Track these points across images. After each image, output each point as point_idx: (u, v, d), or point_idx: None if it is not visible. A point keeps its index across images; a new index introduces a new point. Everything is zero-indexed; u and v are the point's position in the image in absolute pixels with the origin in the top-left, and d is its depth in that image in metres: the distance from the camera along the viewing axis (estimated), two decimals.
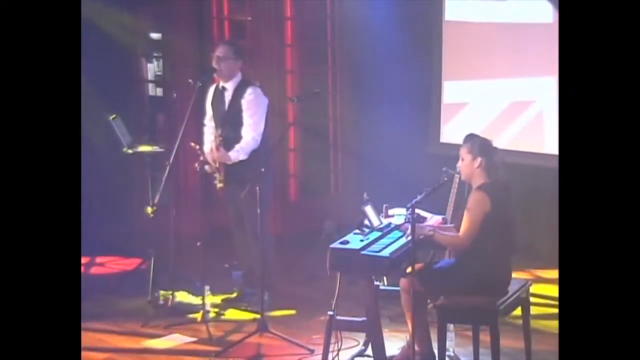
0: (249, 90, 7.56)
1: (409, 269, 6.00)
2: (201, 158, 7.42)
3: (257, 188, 6.99)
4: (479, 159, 6.06)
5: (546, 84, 8.65)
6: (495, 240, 5.99)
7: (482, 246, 5.97)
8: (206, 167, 7.52)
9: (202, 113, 7.89)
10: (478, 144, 6.10)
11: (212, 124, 7.69)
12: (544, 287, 7.86)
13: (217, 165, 7.49)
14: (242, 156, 7.46)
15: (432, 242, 6.21)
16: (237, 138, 7.51)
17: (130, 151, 8.22)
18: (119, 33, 9.87)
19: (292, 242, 9.09)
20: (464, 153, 6.12)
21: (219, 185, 7.57)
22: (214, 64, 7.62)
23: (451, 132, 9.25)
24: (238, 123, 7.52)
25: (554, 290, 7.75)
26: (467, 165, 6.11)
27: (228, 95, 7.61)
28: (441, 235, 6.14)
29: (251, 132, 7.49)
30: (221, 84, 7.66)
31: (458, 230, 6.14)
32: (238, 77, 7.64)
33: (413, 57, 9.26)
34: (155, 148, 8.36)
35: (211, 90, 7.80)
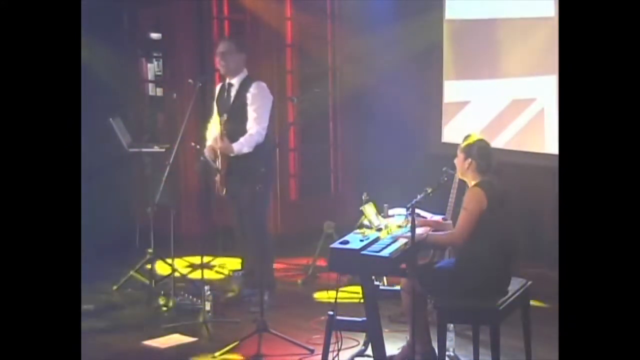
0: (254, 85, 7.59)
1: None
2: (201, 158, 7.42)
3: (258, 187, 6.99)
4: (469, 160, 6.09)
5: (547, 82, 8.65)
6: (494, 241, 5.99)
7: (481, 246, 5.97)
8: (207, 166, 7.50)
9: (203, 113, 7.89)
10: (470, 145, 6.13)
11: (217, 119, 7.68)
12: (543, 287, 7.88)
13: (219, 163, 7.49)
14: (246, 149, 7.46)
15: (429, 244, 6.24)
16: (242, 132, 7.51)
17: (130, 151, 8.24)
18: (118, 33, 9.88)
19: (292, 242, 9.09)
20: (458, 151, 6.17)
21: (218, 185, 7.57)
22: (219, 61, 7.64)
23: (452, 131, 9.25)
24: (242, 117, 7.53)
25: (554, 290, 7.74)
26: (460, 164, 6.17)
27: (233, 90, 7.63)
28: (434, 236, 6.16)
29: (255, 125, 7.49)
30: (227, 80, 7.68)
31: None
32: (244, 73, 7.67)
33: (413, 57, 9.26)
34: (156, 148, 8.38)
35: (217, 89, 7.83)
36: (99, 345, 6.96)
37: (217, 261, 8.98)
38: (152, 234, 8.02)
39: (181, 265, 8.65)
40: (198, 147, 7.46)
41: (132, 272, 8.34)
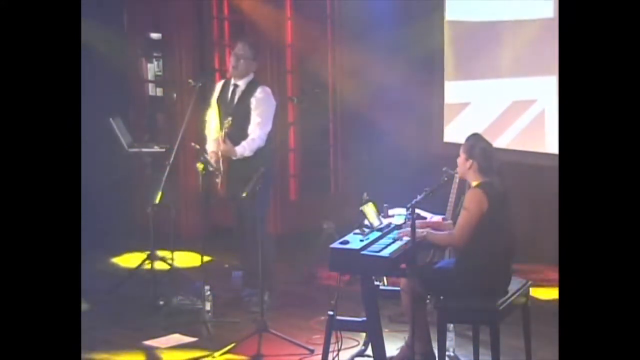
0: (260, 89, 7.60)
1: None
2: (202, 158, 7.42)
3: (258, 188, 6.99)
4: (470, 161, 6.09)
5: (547, 83, 8.66)
6: (494, 241, 5.99)
7: (481, 246, 5.97)
8: (208, 167, 7.51)
9: (203, 113, 7.88)
10: (473, 146, 6.12)
11: (217, 119, 7.68)
12: (545, 288, 7.88)
13: (220, 164, 7.50)
14: (247, 152, 7.48)
15: (429, 242, 6.24)
16: (243, 135, 7.52)
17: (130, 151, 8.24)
18: (118, 33, 9.88)
19: (292, 242, 9.09)
20: (461, 152, 6.16)
21: (219, 186, 7.58)
22: (231, 61, 7.64)
23: (453, 133, 9.25)
24: (245, 120, 7.54)
25: (554, 290, 7.75)
26: (461, 164, 6.16)
27: (238, 92, 7.63)
28: (434, 235, 6.16)
29: (258, 130, 7.51)
30: (233, 81, 7.68)
31: None
32: (250, 77, 7.67)
33: (414, 58, 9.26)
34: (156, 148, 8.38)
35: (218, 86, 7.82)
36: (99, 345, 6.96)
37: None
38: (152, 234, 8.02)
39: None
40: (198, 147, 7.46)
41: (132, 272, 8.34)
